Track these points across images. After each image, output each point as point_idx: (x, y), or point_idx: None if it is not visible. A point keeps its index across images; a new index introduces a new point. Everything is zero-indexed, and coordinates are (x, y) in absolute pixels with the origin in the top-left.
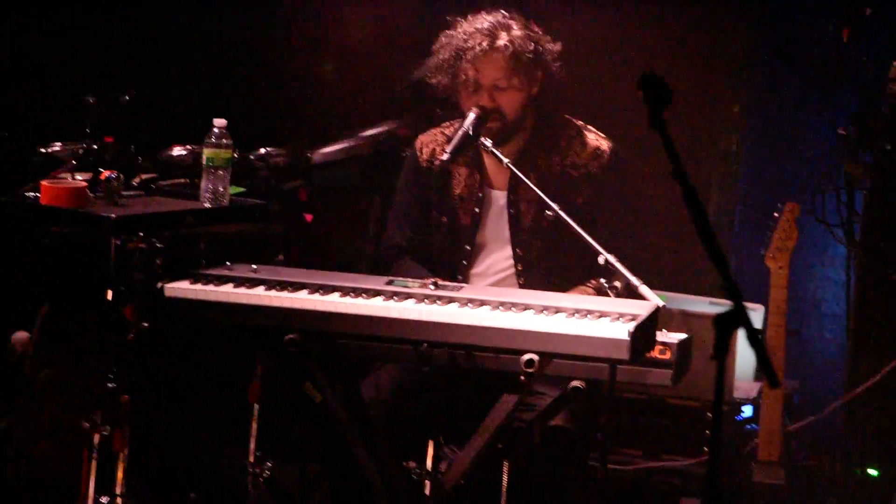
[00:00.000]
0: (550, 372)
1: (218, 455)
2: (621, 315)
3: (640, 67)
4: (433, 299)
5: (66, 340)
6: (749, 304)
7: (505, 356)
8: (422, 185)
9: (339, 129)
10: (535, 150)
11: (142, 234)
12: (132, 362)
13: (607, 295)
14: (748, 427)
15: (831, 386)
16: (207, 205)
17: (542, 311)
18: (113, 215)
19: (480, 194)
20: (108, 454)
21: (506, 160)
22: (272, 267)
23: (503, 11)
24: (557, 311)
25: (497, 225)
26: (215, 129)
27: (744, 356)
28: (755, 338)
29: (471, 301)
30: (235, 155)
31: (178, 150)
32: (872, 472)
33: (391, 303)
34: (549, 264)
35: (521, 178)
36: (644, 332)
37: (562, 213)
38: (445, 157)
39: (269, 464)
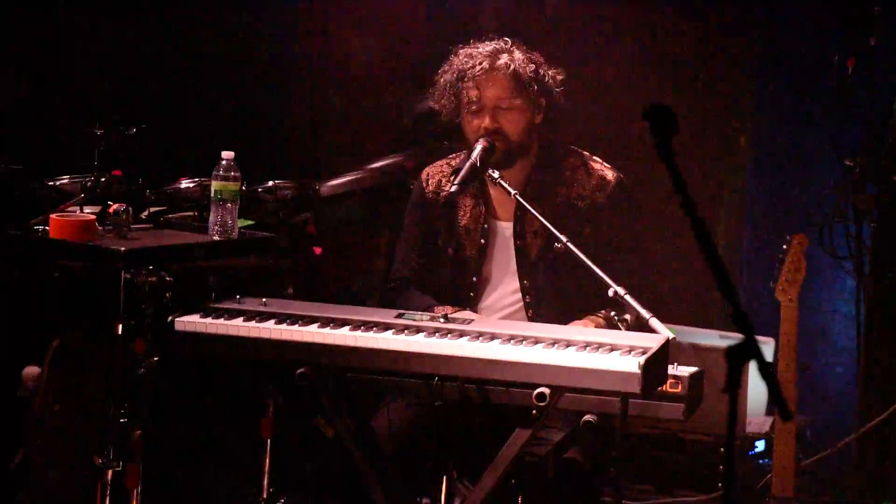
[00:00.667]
0: (562, 406)
1: (231, 491)
2: (632, 348)
3: (647, 100)
4: (444, 333)
5: (76, 375)
6: (760, 338)
7: (516, 390)
8: (428, 216)
9: (346, 161)
10: (540, 180)
11: (151, 267)
12: (143, 397)
13: (617, 327)
14: (761, 462)
15: (843, 420)
16: (216, 237)
17: (552, 345)
18: (122, 248)
19: (486, 225)
20: (122, 490)
21: (513, 191)
22: (282, 300)
23: (506, 38)
24: (568, 344)
25: (504, 256)
26: (223, 162)
27: (756, 390)
28: (767, 370)
29: (481, 334)
30: (243, 188)
31: (186, 183)
32: None
33: (401, 336)
34: (557, 296)
35: (528, 208)
36: (655, 366)
37: (570, 245)
38: (454, 188)
39: (283, 500)
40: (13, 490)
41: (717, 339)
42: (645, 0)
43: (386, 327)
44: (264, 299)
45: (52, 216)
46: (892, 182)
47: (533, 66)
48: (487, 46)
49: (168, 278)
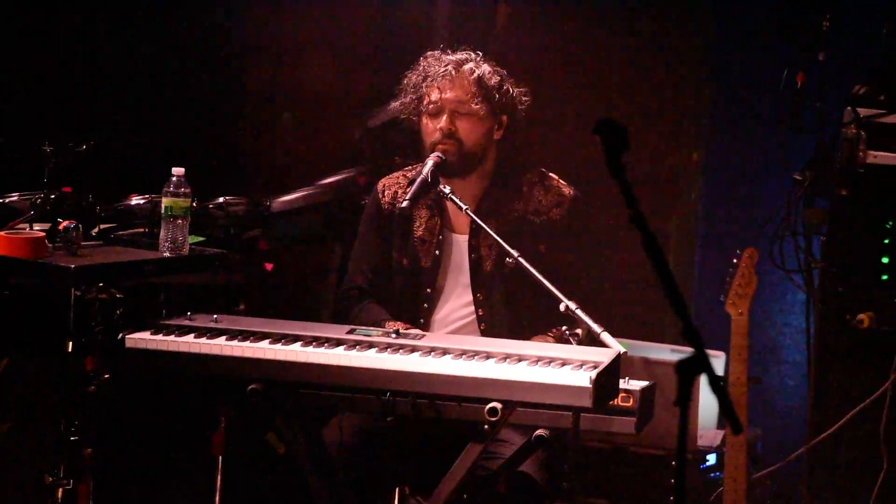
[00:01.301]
0: (515, 420)
1: None
2: (584, 363)
3: (599, 115)
4: (395, 348)
5: (26, 393)
6: (710, 352)
7: (468, 405)
8: (383, 227)
9: (297, 177)
10: (496, 195)
11: (101, 284)
12: (94, 414)
13: (569, 342)
14: (713, 475)
15: (794, 433)
16: (167, 254)
17: (504, 360)
18: (72, 266)
19: (441, 237)
20: None
21: (465, 206)
22: (233, 317)
23: (478, 51)
24: (520, 359)
25: (458, 269)
26: (174, 178)
27: (707, 404)
28: (717, 384)
29: (433, 350)
30: (194, 204)
31: (136, 200)
32: None
33: (353, 352)
34: (510, 310)
35: (480, 224)
36: (607, 380)
37: (521, 261)
38: (405, 203)
39: None
40: None
41: (669, 353)
42: (595, 20)
43: (338, 343)
44: (215, 315)
45: (1, 233)
46: (840, 196)
47: (498, 79)
48: (457, 55)
49: (118, 295)
